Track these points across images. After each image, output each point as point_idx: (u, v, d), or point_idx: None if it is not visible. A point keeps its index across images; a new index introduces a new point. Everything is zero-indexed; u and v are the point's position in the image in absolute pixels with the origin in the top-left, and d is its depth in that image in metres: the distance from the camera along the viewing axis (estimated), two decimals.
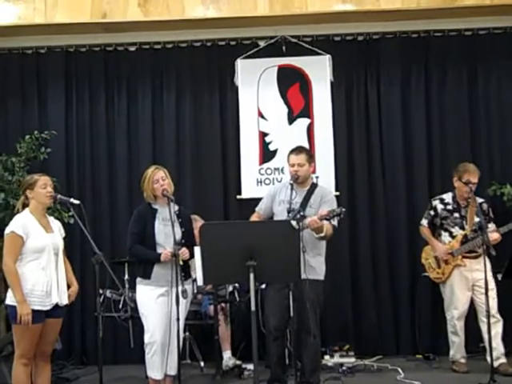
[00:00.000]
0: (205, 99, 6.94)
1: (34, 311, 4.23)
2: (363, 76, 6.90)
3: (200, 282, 5.17)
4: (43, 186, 4.46)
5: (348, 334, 6.56)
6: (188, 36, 6.88)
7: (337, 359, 6.04)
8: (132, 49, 6.95)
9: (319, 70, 6.81)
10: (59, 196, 4.60)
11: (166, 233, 4.85)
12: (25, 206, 4.50)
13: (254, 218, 5.25)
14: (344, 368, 5.85)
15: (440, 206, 5.92)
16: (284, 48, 6.85)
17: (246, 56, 6.82)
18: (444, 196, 5.97)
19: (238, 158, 6.83)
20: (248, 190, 6.75)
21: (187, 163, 6.85)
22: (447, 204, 5.90)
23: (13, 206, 5.95)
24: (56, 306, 4.36)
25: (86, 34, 6.83)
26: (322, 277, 5.03)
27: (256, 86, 6.87)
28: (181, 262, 4.74)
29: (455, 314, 5.75)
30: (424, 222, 6.03)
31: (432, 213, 5.96)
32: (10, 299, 4.29)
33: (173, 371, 4.81)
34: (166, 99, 6.94)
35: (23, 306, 4.20)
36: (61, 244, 4.51)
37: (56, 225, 4.60)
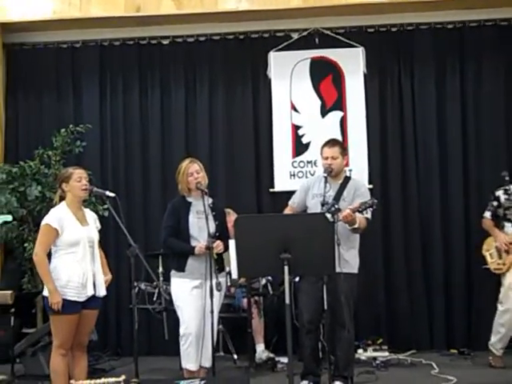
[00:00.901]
0: (237, 92, 6.95)
1: (70, 302, 4.28)
2: (397, 68, 6.84)
3: (234, 274, 5.18)
4: (78, 179, 4.50)
5: (381, 328, 6.53)
6: (221, 29, 6.89)
7: (370, 353, 6.03)
8: (165, 42, 6.99)
9: (352, 62, 6.77)
10: (95, 189, 4.64)
11: (199, 226, 4.86)
12: (61, 199, 4.54)
13: (287, 211, 5.22)
14: (377, 362, 5.83)
15: (504, 197, 5.80)
16: (317, 40, 6.83)
17: (278, 48, 6.81)
18: (508, 187, 5.84)
19: (271, 151, 6.83)
20: (281, 183, 6.74)
21: (220, 156, 6.87)
22: (511, 194, 5.81)
23: (49, 199, 6.07)
24: (92, 298, 4.40)
25: (120, 28, 6.90)
26: (355, 270, 5.00)
27: (289, 79, 6.85)
28: (215, 256, 4.76)
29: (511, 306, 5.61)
30: (487, 214, 5.90)
31: (495, 203, 5.84)
32: (46, 290, 4.36)
33: (207, 363, 4.83)
34: (198, 92, 6.96)
35: (54, 295, 4.26)
36: (96, 236, 4.54)
37: (91, 217, 4.63)
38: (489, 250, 5.89)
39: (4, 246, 6.64)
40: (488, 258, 5.88)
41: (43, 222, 4.43)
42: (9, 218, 5.51)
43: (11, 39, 7.03)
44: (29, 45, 7.06)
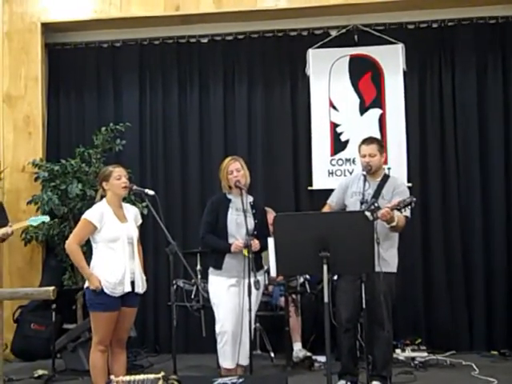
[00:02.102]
0: (276, 90, 6.94)
1: (109, 298, 4.33)
2: (437, 65, 6.74)
3: (273, 272, 5.18)
4: (118, 178, 4.55)
5: (419, 328, 6.46)
6: (259, 27, 6.89)
7: (408, 353, 5.95)
8: (204, 40, 7.02)
9: (392, 59, 6.70)
10: (134, 187, 4.68)
11: (238, 223, 4.88)
12: (102, 197, 4.61)
13: (325, 210, 5.19)
14: (416, 362, 5.76)
15: None
16: (356, 37, 6.78)
17: (317, 46, 6.77)
18: None
19: (309, 149, 6.81)
20: (319, 181, 6.72)
21: (258, 154, 6.87)
22: None
23: (90, 197, 6.15)
24: (131, 295, 4.44)
25: (160, 27, 6.96)
26: (394, 269, 4.95)
27: (327, 76, 6.82)
28: (245, 254, 4.74)
29: None
30: None
31: None
32: (87, 283, 4.42)
33: (245, 361, 4.84)
34: (237, 90, 6.98)
35: (91, 279, 4.33)
36: (135, 234, 4.57)
37: (132, 213, 4.65)
38: None
39: (46, 243, 6.74)
40: None
41: (83, 216, 4.51)
42: (46, 218, 5.59)
43: (53, 39, 7.14)
44: (70, 45, 7.15)
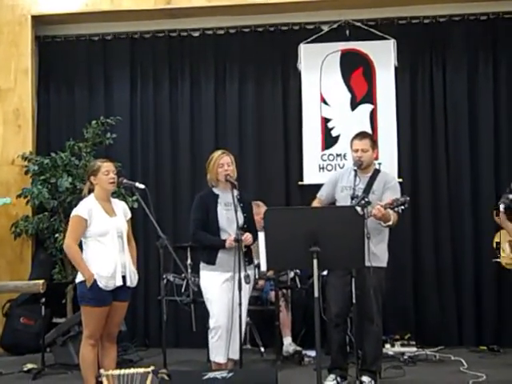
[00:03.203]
0: (267, 85, 6.94)
1: (100, 293, 4.31)
2: (428, 61, 6.76)
3: (263, 267, 5.17)
4: (106, 173, 4.53)
5: (409, 323, 6.48)
6: (251, 21, 6.89)
7: (397, 348, 5.98)
8: (195, 34, 7.00)
9: (383, 55, 6.71)
10: (124, 180, 4.68)
11: (228, 217, 4.86)
12: (90, 191, 4.59)
13: (315, 204, 5.18)
14: (405, 357, 5.78)
15: None
16: (348, 32, 6.78)
17: (309, 41, 6.77)
18: None
19: (300, 144, 6.81)
20: (310, 176, 6.72)
21: (249, 148, 6.86)
22: None
23: (80, 190, 6.09)
24: (122, 290, 4.43)
25: (151, 21, 6.94)
26: (384, 264, 4.96)
27: (319, 71, 6.82)
28: (243, 248, 4.75)
29: None
30: (501, 206, 5.81)
31: (511, 196, 5.76)
32: (79, 277, 4.41)
33: (235, 355, 4.83)
34: (228, 84, 6.96)
35: (91, 279, 4.30)
36: (124, 227, 4.56)
37: (120, 207, 4.64)
38: (500, 244, 5.81)
39: (36, 236, 6.71)
40: (501, 252, 5.81)
41: (73, 213, 4.48)
42: (7, 200, 5.57)
43: (43, 32, 7.11)
44: (61, 37, 7.12)
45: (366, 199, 4.68)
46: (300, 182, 6.78)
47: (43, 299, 5.69)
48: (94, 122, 6.55)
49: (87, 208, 4.44)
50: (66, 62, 7.14)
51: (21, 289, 4.19)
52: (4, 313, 6.51)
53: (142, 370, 3.70)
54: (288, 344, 5.98)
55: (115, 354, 4.58)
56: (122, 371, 3.73)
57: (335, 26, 6.78)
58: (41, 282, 3.63)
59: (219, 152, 5.00)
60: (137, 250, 4.76)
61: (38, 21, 6.96)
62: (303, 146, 6.79)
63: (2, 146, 6.83)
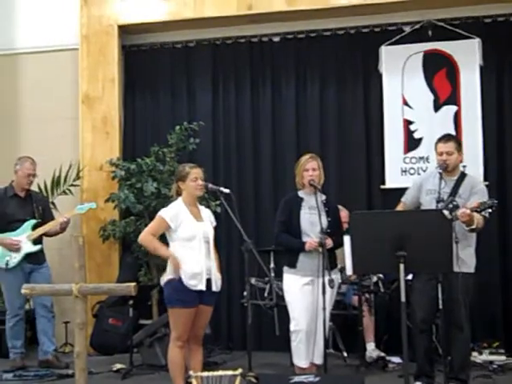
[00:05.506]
0: (348, 88, 6.89)
1: (188, 294, 4.38)
2: None
3: (349, 271, 5.15)
4: (194, 179, 4.61)
5: (497, 331, 6.29)
6: (331, 24, 6.86)
7: (486, 356, 5.82)
8: (276, 39, 7.03)
9: (468, 55, 6.55)
10: (210, 185, 4.75)
11: (311, 221, 4.88)
12: (178, 193, 4.68)
13: (399, 208, 5.13)
14: (494, 366, 5.61)
15: None
16: (430, 32, 6.65)
17: (390, 42, 6.69)
18: None
19: (382, 147, 6.73)
20: (392, 180, 6.64)
21: (331, 152, 6.83)
22: None
23: (164, 195, 6.26)
24: (208, 294, 4.50)
25: (232, 27, 7.02)
26: (472, 269, 4.84)
27: (401, 73, 6.72)
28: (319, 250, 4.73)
29: None
30: None
31: None
32: (164, 279, 4.50)
33: (319, 360, 4.83)
34: (309, 88, 6.96)
35: (172, 259, 4.40)
36: (211, 232, 4.64)
37: (206, 214, 4.73)
38: None
39: (122, 240, 6.91)
40: None
41: (159, 213, 4.61)
42: (93, 205, 5.92)
43: (129, 41, 7.32)
44: (145, 46, 7.30)
45: (455, 202, 4.58)
46: (382, 186, 6.70)
47: (131, 301, 5.86)
48: (177, 127, 6.68)
49: (173, 213, 4.53)
50: (150, 70, 7.31)
51: (113, 291, 4.32)
52: (94, 314, 6.71)
53: (229, 372, 3.74)
54: (371, 349, 5.92)
55: (201, 356, 4.66)
56: (211, 373, 3.78)
57: (417, 26, 6.66)
58: (132, 284, 3.72)
59: (307, 156, 5.03)
60: (219, 254, 4.82)
61: (124, 30, 7.17)
62: (385, 149, 6.71)
63: (91, 152, 7.07)
